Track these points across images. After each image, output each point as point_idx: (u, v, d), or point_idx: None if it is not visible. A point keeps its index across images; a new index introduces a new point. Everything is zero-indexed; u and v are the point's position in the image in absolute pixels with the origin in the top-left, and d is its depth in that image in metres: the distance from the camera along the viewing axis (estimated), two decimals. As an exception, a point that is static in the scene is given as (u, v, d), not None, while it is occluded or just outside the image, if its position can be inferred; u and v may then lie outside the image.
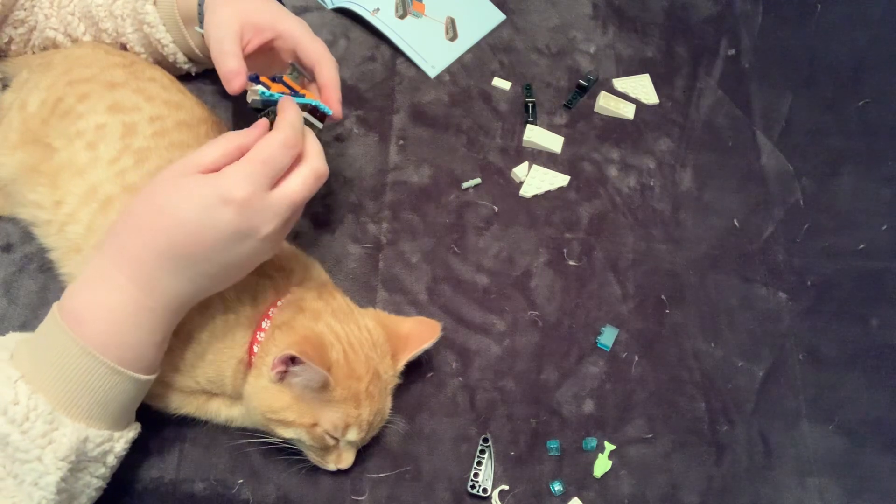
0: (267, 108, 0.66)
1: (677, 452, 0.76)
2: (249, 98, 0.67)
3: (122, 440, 0.60)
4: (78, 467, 0.56)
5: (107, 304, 0.57)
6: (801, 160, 0.94)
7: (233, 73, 0.67)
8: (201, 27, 0.75)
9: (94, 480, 0.59)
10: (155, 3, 0.77)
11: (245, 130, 0.60)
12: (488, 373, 0.78)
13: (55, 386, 0.55)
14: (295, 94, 0.68)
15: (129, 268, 0.57)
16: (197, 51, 0.80)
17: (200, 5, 0.73)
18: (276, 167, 0.58)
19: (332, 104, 0.70)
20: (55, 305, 0.58)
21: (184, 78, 0.84)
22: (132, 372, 0.58)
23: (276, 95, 0.66)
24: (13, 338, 0.60)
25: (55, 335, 0.56)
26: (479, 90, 0.95)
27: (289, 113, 0.61)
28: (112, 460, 0.59)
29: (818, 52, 1.02)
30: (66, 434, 0.55)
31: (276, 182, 0.58)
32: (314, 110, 0.68)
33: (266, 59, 0.74)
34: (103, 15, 0.78)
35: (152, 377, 0.61)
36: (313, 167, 0.60)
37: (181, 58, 0.81)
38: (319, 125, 0.68)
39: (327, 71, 0.71)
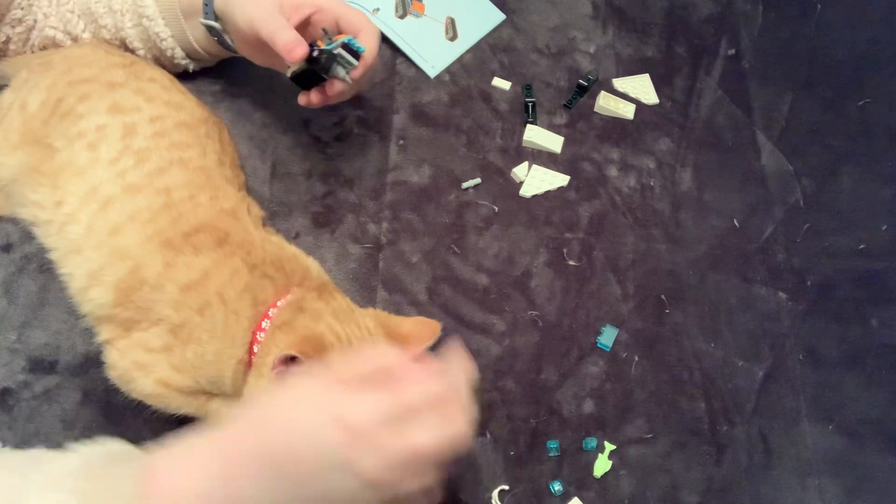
0: (310, 69, 0.71)
1: (677, 452, 0.76)
2: (289, 72, 0.71)
3: None
4: None
5: (182, 477, 0.50)
6: (801, 160, 0.94)
7: (293, 42, 0.68)
8: (206, 18, 0.75)
9: None
10: None
11: (403, 354, 0.54)
12: (488, 373, 0.78)
13: None
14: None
15: (224, 458, 0.50)
16: (196, 45, 0.80)
17: None
18: (409, 405, 0.50)
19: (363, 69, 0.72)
20: (154, 450, 0.52)
21: (184, 78, 0.84)
22: None
23: (327, 47, 0.70)
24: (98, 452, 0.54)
25: (126, 487, 0.50)
26: (479, 90, 0.95)
27: (458, 365, 0.55)
28: None
29: (818, 52, 1.02)
30: None
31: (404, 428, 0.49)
32: (346, 47, 0.70)
33: (303, 34, 0.73)
34: (102, 11, 0.78)
35: None
36: (456, 427, 0.51)
37: (179, 53, 0.80)
38: (355, 62, 0.71)
39: (371, 38, 0.72)
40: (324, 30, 0.73)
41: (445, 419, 0.51)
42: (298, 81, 0.73)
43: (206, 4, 0.74)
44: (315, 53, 0.69)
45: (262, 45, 0.73)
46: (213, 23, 0.75)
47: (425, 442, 0.49)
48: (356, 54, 0.71)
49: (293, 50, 0.68)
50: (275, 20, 0.69)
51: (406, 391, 0.50)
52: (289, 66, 0.71)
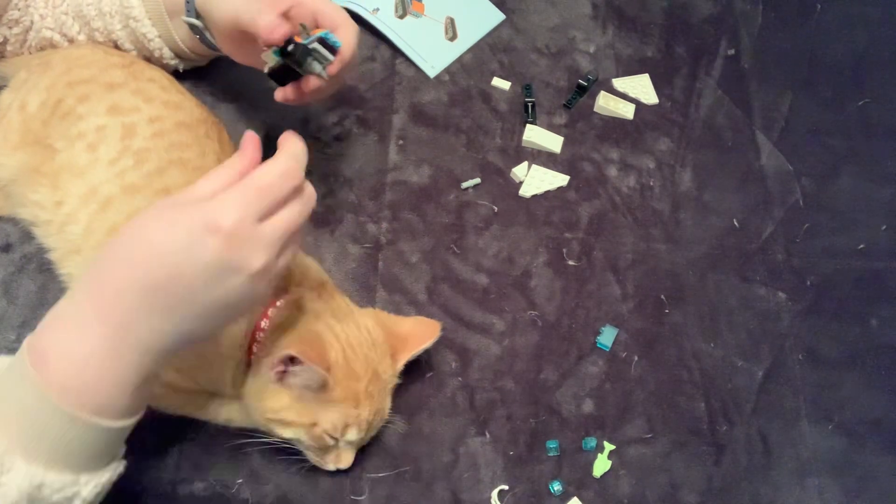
0: (285, 65, 0.68)
1: (677, 452, 0.76)
2: (266, 68, 0.69)
3: (90, 484, 0.53)
4: None
5: (73, 345, 0.51)
6: (800, 160, 0.94)
7: (274, 23, 0.66)
8: (188, 15, 0.74)
9: None
10: None
11: (238, 153, 0.56)
12: (488, 373, 0.78)
13: (13, 426, 0.50)
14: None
15: (103, 306, 0.51)
16: (181, 45, 0.79)
17: None
18: (272, 197, 0.53)
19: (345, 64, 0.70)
20: (28, 337, 0.52)
21: (183, 78, 0.84)
22: (97, 418, 0.51)
23: (303, 41, 0.67)
24: None
25: (19, 372, 0.51)
26: (478, 90, 0.95)
27: (291, 143, 0.58)
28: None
29: (818, 52, 1.02)
30: (17, 479, 0.49)
31: (269, 213, 0.54)
32: (323, 41, 0.68)
33: None
34: (94, 13, 0.77)
35: (127, 422, 0.54)
36: (308, 195, 0.57)
37: (167, 53, 0.80)
38: (331, 57, 0.69)
39: (349, 34, 0.70)
40: (302, 25, 0.70)
41: (299, 189, 0.56)
42: (276, 78, 0.71)
43: (188, 2, 0.74)
44: (290, 47, 0.67)
45: (243, 40, 0.71)
46: (194, 20, 0.75)
47: (295, 216, 0.55)
48: (333, 49, 0.69)
49: (274, 30, 0.66)
50: (255, 5, 0.68)
51: (254, 178, 0.53)
52: (266, 63, 0.69)
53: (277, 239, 0.54)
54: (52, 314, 0.52)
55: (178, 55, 0.81)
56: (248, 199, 0.52)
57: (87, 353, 0.51)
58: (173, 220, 0.51)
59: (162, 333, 0.52)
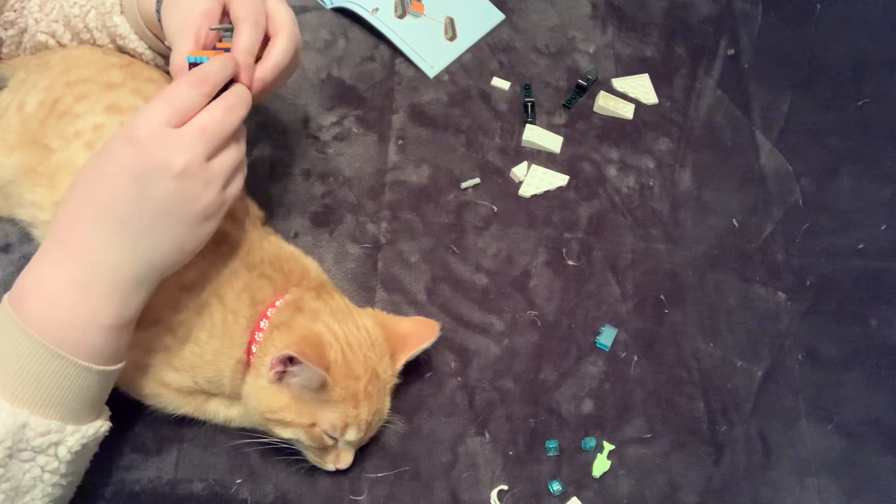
0: None
1: (676, 452, 0.76)
2: None
3: (76, 434, 0.56)
4: (21, 457, 0.54)
5: (45, 284, 0.55)
6: (800, 160, 0.94)
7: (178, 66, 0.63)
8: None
9: (47, 475, 0.56)
10: (123, 13, 0.75)
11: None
12: (487, 373, 0.78)
13: None
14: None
15: (65, 242, 0.56)
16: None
17: (158, 11, 0.69)
18: (182, 104, 0.56)
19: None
20: (10, 294, 0.56)
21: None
22: (76, 357, 0.54)
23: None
24: None
25: (0, 319, 0.55)
26: (478, 90, 0.95)
27: (209, 63, 0.60)
28: (65, 454, 0.56)
29: (818, 52, 1.02)
30: (2, 417, 0.52)
31: (183, 119, 0.56)
32: None
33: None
34: (81, 27, 0.76)
35: (107, 368, 0.57)
36: (224, 101, 0.58)
37: (161, 61, 0.79)
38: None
39: (243, 35, 0.62)
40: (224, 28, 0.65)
41: (220, 101, 0.58)
42: None
43: (159, 21, 0.69)
44: None
45: None
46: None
47: (215, 116, 0.57)
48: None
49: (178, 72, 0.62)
50: (178, 33, 0.64)
51: (165, 91, 0.57)
52: None
53: (195, 138, 0.56)
54: (27, 266, 0.56)
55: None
56: (159, 107, 0.55)
57: (59, 288, 0.55)
58: (103, 148, 0.56)
59: (123, 260, 0.56)
